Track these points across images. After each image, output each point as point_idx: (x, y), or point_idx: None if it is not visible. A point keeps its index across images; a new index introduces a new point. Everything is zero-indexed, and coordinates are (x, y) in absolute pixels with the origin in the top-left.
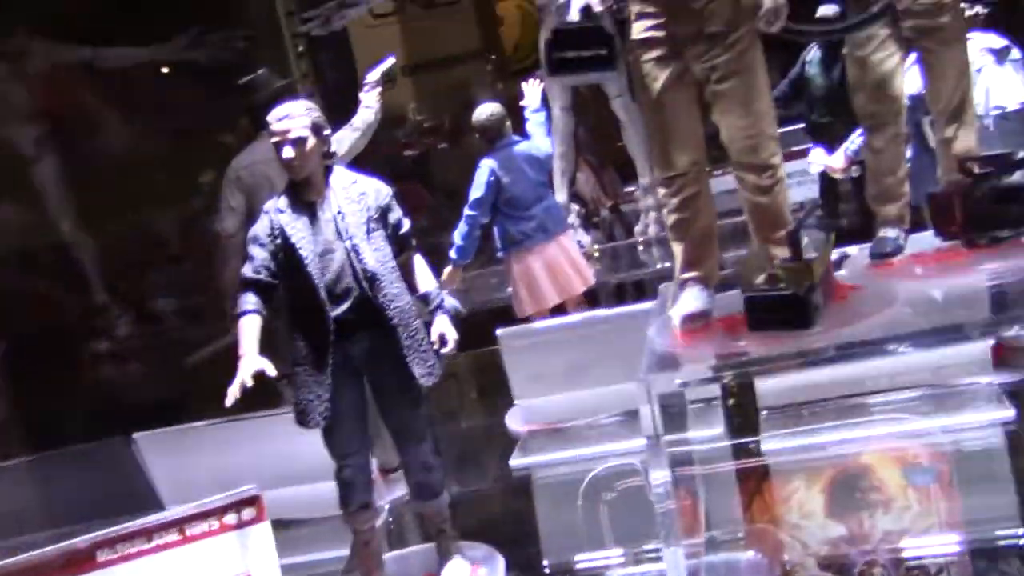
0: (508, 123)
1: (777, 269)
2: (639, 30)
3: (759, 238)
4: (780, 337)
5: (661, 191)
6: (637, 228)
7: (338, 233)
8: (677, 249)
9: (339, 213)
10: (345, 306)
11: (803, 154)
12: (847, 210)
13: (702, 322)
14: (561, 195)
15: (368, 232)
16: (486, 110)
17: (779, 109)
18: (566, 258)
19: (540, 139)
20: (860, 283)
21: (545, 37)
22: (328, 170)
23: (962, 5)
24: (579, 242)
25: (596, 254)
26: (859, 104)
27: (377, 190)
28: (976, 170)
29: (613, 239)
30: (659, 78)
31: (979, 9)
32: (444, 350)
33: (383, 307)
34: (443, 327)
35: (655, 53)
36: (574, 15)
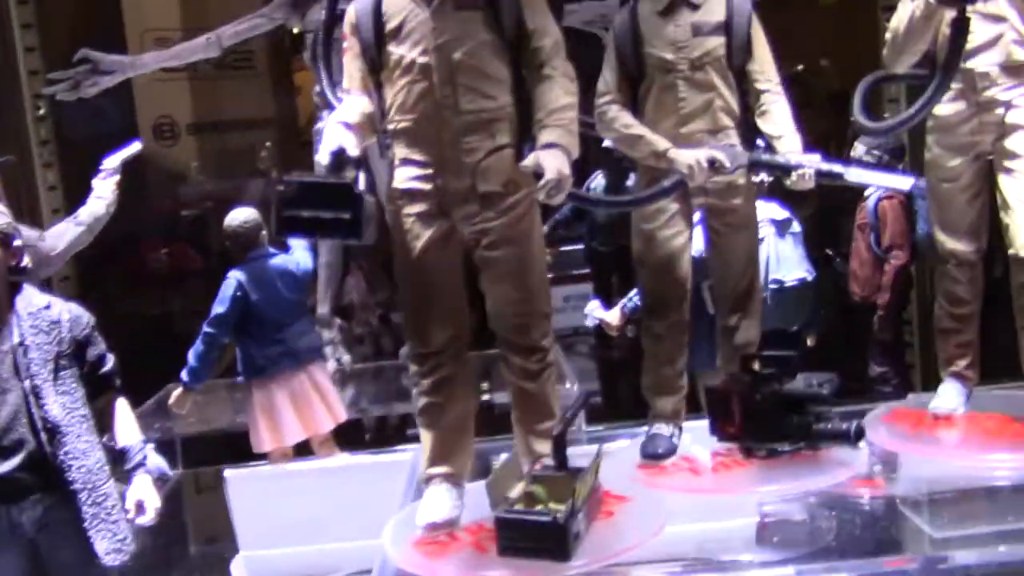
0: (264, 232)
1: (535, 486)
2: (402, 178)
3: (521, 428)
4: (532, 569)
5: (412, 367)
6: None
7: (16, 370)
8: (425, 438)
9: (21, 345)
10: (14, 462)
11: (583, 279)
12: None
13: (447, 530)
14: (323, 307)
15: (56, 371)
16: (239, 216)
17: (560, 230)
18: (316, 390)
19: (300, 252)
20: (628, 494)
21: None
22: (16, 289)
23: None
24: (338, 360)
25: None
26: (642, 279)
27: (75, 319)
28: (757, 368)
29: (381, 353)
30: (421, 236)
31: (764, 176)
32: (140, 520)
33: (63, 466)
34: (141, 492)
35: (419, 208)
36: (323, 157)
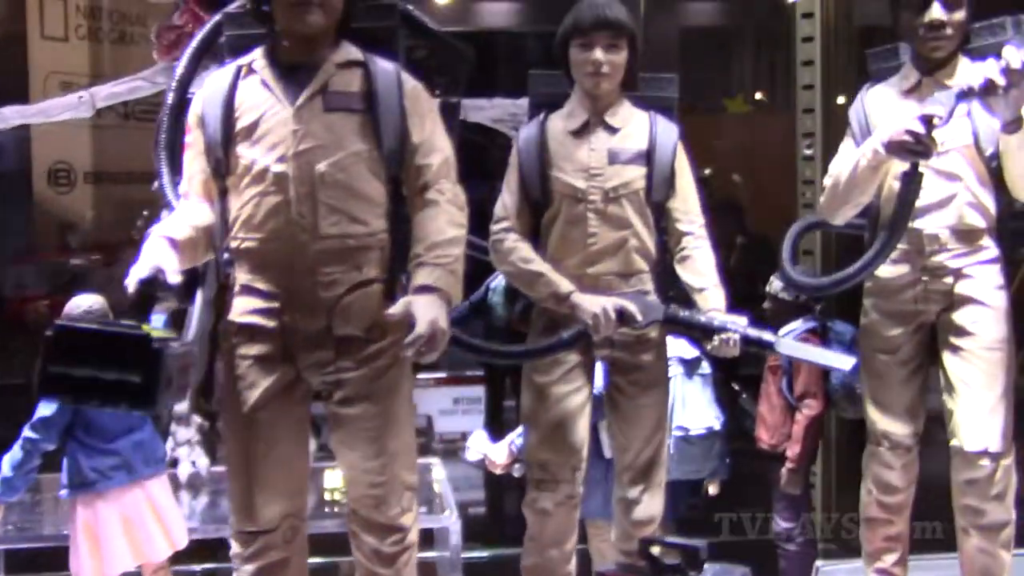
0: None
1: None
2: (240, 310)
3: None
4: None
5: (234, 547)
6: None
7: None
8: None
9: None
10: None
11: (476, 380)
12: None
13: None
14: (183, 403)
15: None
16: (81, 303)
17: (457, 327)
18: (152, 510)
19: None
20: None
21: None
22: None
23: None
24: (194, 463)
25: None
26: (530, 444)
27: None
28: (658, 557)
29: None
30: (257, 385)
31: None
32: None
33: None
34: None
35: (258, 349)
36: (131, 282)
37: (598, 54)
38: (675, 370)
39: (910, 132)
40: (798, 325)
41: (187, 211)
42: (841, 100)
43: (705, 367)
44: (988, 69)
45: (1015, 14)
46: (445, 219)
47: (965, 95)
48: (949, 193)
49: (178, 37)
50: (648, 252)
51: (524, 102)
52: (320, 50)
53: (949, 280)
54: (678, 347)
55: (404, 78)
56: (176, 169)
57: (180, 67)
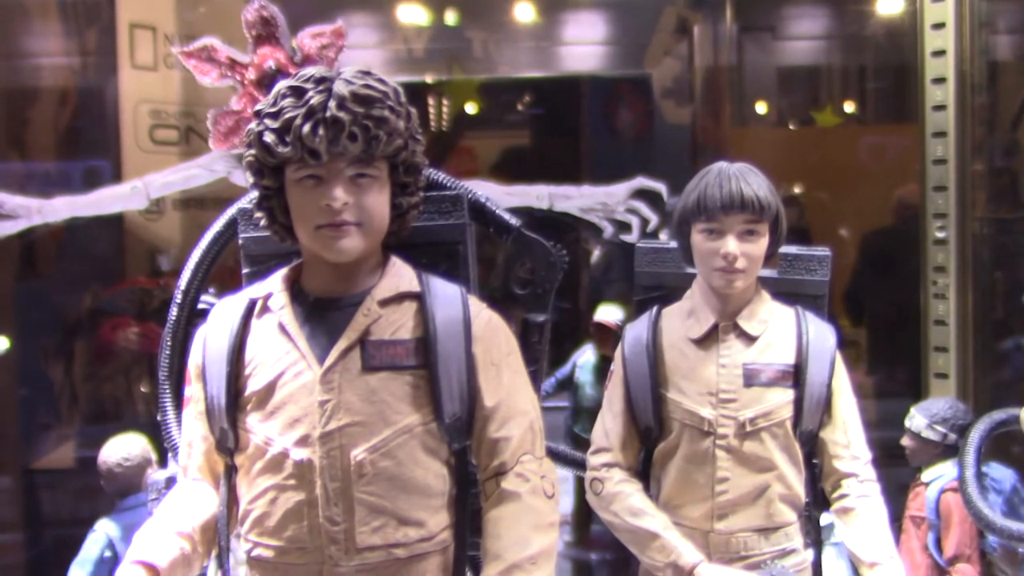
0: (150, 470)
1: None
2: None
3: None
4: None
5: None
6: None
7: None
8: None
9: None
10: None
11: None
12: None
13: None
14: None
15: None
16: (119, 450)
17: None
18: None
19: None
20: None
21: None
22: None
23: None
24: None
25: None
26: None
27: None
28: None
29: None
30: None
31: None
32: None
33: None
34: None
35: None
36: None
37: (731, 245)
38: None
39: None
40: (946, 469)
41: (181, 500)
42: None
43: (839, 534)
44: None
45: None
46: (529, 523)
47: None
48: None
49: (236, 123)
50: (796, 499)
51: (615, 189)
52: (360, 279)
53: None
54: None
55: (474, 311)
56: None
57: (185, 274)
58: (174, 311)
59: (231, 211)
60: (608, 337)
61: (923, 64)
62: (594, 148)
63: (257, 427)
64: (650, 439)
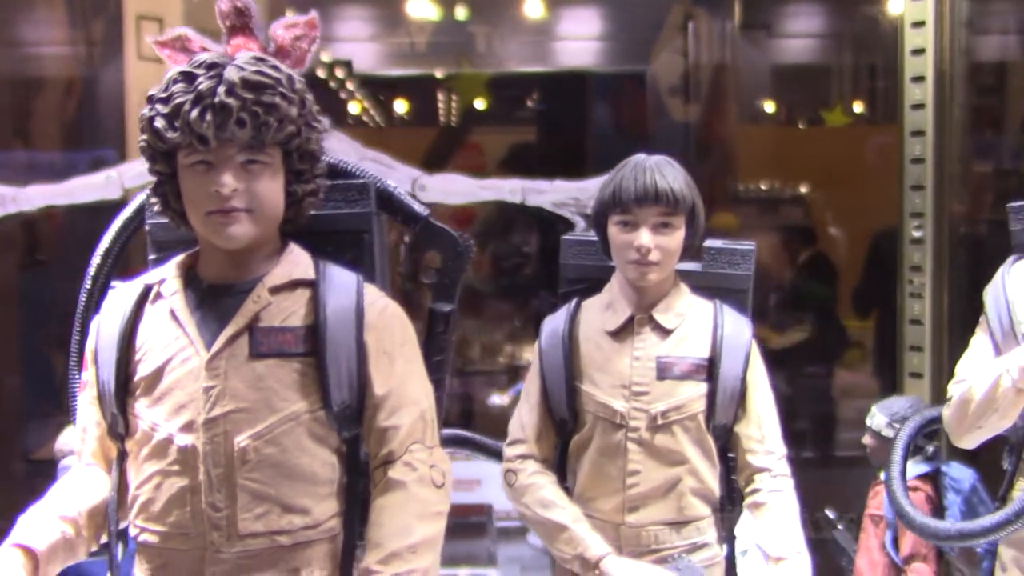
0: None
1: None
2: None
3: None
4: None
5: None
6: None
7: None
8: None
9: None
10: None
11: None
12: None
13: None
14: None
15: None
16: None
17: None
18: None
19: None
20: None
21: None
22: None
23: None
24: None
25: None
26: None
27: None
28: None
29: None
30: None
31: None
32: None
33: None
34: None
35: None
36: None
37: (644, 238)
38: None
39: None
40: (907, 468)
41: (71, 485)
42: None
43: None
44: None
45: None
46: (413, 511)
47: None
48: None
49: None
50: (709, 493)
51: (588, 184)
52: (254, 266)
53: None
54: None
55: (368, 300)
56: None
57: (94, 261)
58: (82, 298)
59: (140, 197)
60: None
61: (903, 62)
62: (599, 144)
63: (145, 413)
64: (566, 431)
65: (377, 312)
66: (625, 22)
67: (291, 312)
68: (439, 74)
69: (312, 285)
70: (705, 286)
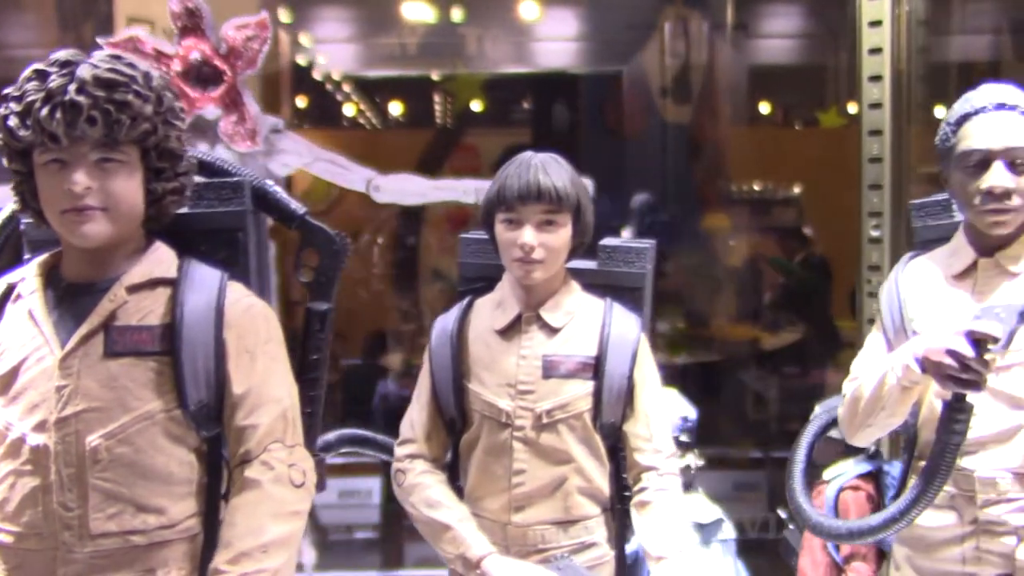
0: None
1: None
2: None
3: None
4: None
5: None
6: None
7: None
8: None
9: None
10: None
11: None
12: None
13: None
14: None
15: None
16: None
17: None
18: None
19: None
20: None
21: None
22: None
23: None
24: None
25: None
26: None
27: None
28: None
29: None
30: None
31: None
32: None
33: None
34: None
35: None
36: None
37: (527, 235)
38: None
39: (953, 354)
40: (846, 467)
41: None
42: None
43: (728, 531)
44: None
45: None
46: (267, 511)
47: None
48: (1012, 424)
49: None
50: (597, 492)
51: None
52: (114, 264)
53: (1010, 541)
54: (691, 508)
55: (231, 298)
56: None
57: None
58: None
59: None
60: None
61: (860, 62)
62: (589, 145)
63: (0, 412)
64: (456, 430)
65: (240, 310)
66: (613, 23)
67: (149, 311)
68: (435, 76)
69: (173, 284)
70: (601, 284)
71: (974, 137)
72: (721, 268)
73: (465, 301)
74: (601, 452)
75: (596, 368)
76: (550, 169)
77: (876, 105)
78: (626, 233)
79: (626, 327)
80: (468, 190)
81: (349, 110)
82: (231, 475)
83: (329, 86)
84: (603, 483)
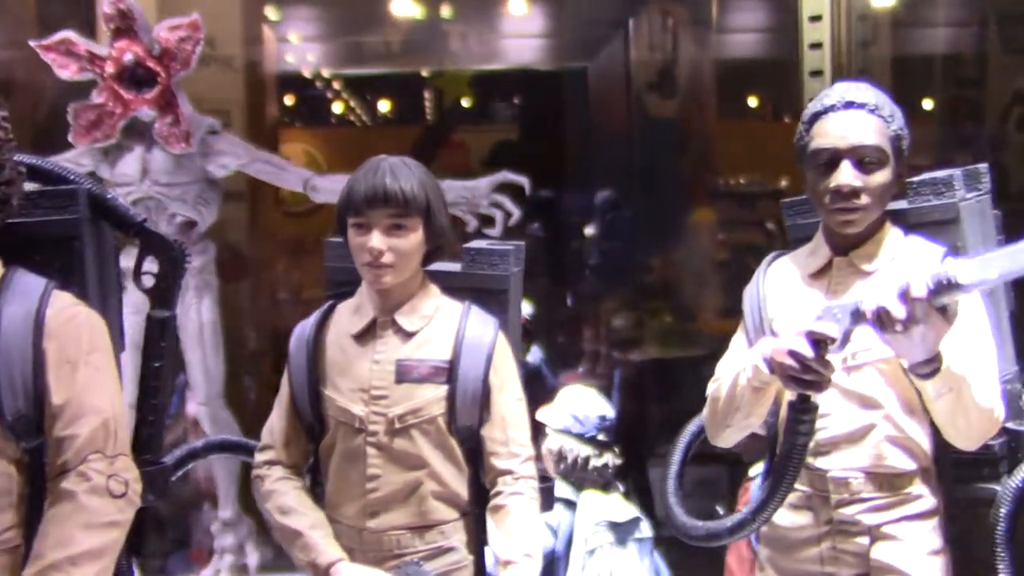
0: None
1: None
2: None
3: None
4: None
5: None
6: None
7: None
8: None
9: None
10: None
11: None
12: None
13: None
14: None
15: None
16: None
17: None
18: None
19: None
20: None
21: None
22: None
23: None
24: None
25: None
26: None
27: None
28: None
29: None
30: None
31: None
32: None
33: None
34: None
35: None
36: None
37: (375, 240)
38: (602, 537)
39: (794, 355)
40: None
41: None
42: None
43: (645, 529)
44: (883, 294)
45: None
46: (79, 522)
47: (860, 317)
48: (863, 424)
49: (98, 117)
50: (455, 496)
51: (478, 183)
52: None
53: (864, 541)
54: (608, 508)
55: (55, 307)
56: None
57: None
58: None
59: None
60: None
61: (801, 57)
62: (576, 142)
63: None
64: (315, 436)
65: (62, 320)
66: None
67: None
68: (424, 72)
69: None
70: (466, 287)
71: (823, 136)
72: (707, 262)
73: (326, 306)
74: (458, 456)
75: (450, 372)
76: (398, 173)
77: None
78: (589, 230)
79: (482, 330)
80: None
81: (337, 107)
82: (48, 486)
83: (319, 83)
84: (460, 488)
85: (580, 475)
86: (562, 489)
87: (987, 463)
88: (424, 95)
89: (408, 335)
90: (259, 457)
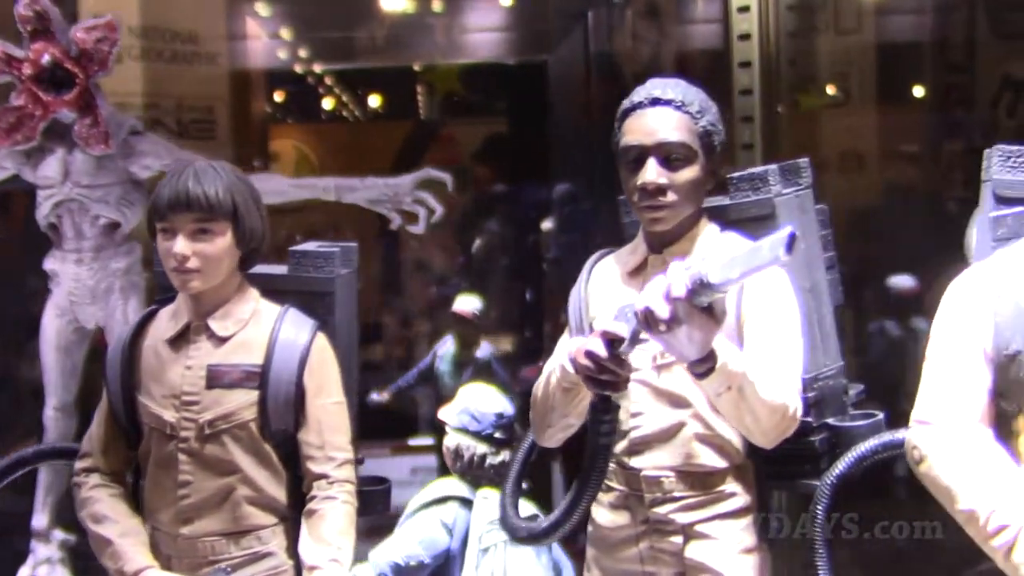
0: None
1: None
2: None
3: None
4: None
5: None
6: None
7: None
8: None
9: None
10: None
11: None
12: None
13: None
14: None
15: None
16: None
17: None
18: None
19: None
20: None
21: None
22: None
23: None
24: None
25: None
26: None
27: None
28: None
29: None
30: None
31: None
32: None
33: None
34: None
35: None
36: None
37: (179, 245)
38: (497, 536)
39: (590, 355)
40: None
41: None
42: None
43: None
44: (649, 295)
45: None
46: None
47: (636, 318)
48: (674, 423)
49: (18, 120)
50: (271, 501)
51: (401, 180)
52: None
53: (678, 540)
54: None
55: None
56: None
57: None
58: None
59: None
60: (466, 326)
61: (731, 48)
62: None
63: None
64: (131, 443)
65: None
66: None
67: None
68: (416, 67)
69: None
70: (290, 290)
71: (631, 133)
72: None
73: (146, 311)
74: (273, 461)
75: (262, 376)
76: (203, 177)
77: (746, 91)
78: (546, 225)
79: (296, 333)
80: (328, 188)
81: (327, 103)
82: None
83: (311, 80)
84: (277, 492)
85: (476, 473)
86: (459, 487)
87: (808, 459)
88: (416, 89)
89: (221, 340)
90: (78, 464)
